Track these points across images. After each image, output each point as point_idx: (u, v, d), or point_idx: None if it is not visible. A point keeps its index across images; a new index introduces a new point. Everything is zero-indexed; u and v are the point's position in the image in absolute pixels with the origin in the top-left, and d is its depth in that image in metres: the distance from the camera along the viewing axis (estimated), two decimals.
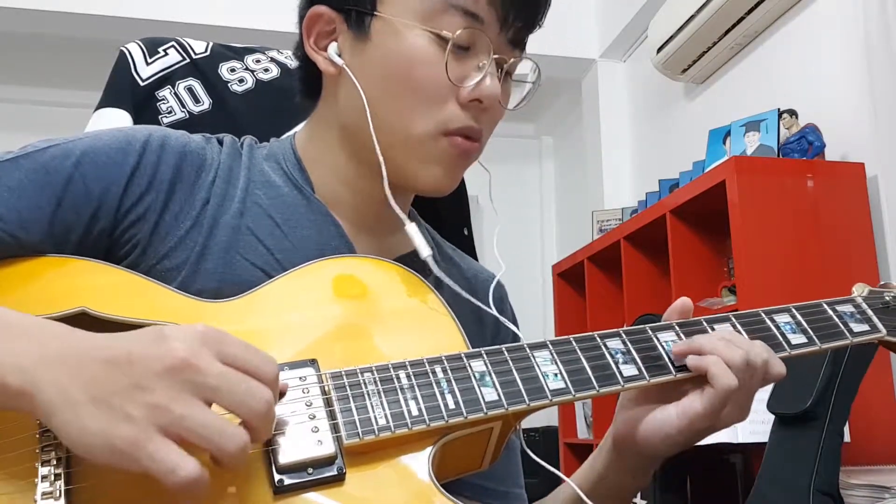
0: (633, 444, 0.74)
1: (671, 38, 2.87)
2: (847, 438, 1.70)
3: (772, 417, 1.76)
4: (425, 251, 0.74)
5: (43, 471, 0.54)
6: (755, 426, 1.86)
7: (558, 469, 0.68)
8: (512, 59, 0.77)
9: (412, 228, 0.76)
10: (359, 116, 0.76)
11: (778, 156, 2.25)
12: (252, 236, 0.75)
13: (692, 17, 2.73)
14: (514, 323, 0.88)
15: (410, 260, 0.76)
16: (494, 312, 0.78)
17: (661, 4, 2.99)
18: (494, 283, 0.86)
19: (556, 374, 0.67)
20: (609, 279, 3.12)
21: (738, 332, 0.74)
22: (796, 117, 2.32)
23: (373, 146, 0.75)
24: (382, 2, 0.75)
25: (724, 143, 2.49)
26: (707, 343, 0.70)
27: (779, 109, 2.32)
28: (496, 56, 0.75)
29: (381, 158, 0.75)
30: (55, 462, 0.55)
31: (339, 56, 0.78)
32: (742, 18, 2.64)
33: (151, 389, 0.51)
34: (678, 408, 0.71)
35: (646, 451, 0.74)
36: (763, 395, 1.77)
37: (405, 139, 0.75)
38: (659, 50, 2.97)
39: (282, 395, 0.59)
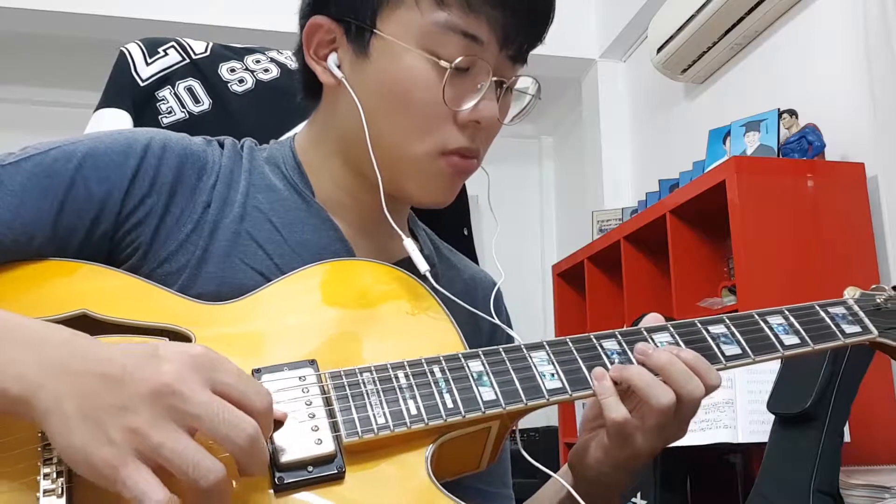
0: (580, 475, 0.75)
1: (671, 38, 2.87)
2: (847, 438, 1.70)
3: (772, 417, 1.76)
4: (423, 266, 0.74)
5: (45, 468, 0.55)
6: (755, 426, 1.86)
7: (558, 469, 0.69)
8: (512, 78, 0.77)
9: (410, 244, 0.76)
10: (357, 130, 0.76)
11: (778, 156, 2.25)
12: (252, 241, 0.75)
13: (692, 17, 2.74)
14: (509, 324, 0.89)
15: (410, 264, 0.76)
16: (495, 320, 0.78)
17: (661, 4, 2.99)
18: (494, 291, 0.86)
19: (552, 374, 0.67)
20: (609, 279, 3.12)
21: (732, 332, 0.73)
22: (796, 117, 2.32)
23: (370, 160, 0.75)
24: (382, 19, 0.74)
25: (724, 143, 2.49)
26: (634, 379, 0.67)
27: (779, 109, 2.32)
28: (495, 78, 0.75)
29: (378, 175, 0.75)
30: (57, 459, 0.55)
31: (339, 68, 0.77)
32: (742, 18, 2.64)
33: (135, 412, 0.51)
34: (597, 442, 0.71)
35: (594, 481, 0.74)
36: (763, 395, 1.77)
37: (402, 158, 0.76)
38: (659, 50, 2.97)
39: (281, 423, 0.59)
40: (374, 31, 0.74)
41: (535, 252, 4.40)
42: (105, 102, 1.04)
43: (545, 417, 3.67)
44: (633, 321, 2.58)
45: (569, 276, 3.42)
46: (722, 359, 0.72)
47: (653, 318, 0.75)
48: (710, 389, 0.68)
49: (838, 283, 2.14)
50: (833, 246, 2.09)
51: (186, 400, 0.52)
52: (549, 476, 0.72)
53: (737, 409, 1.85)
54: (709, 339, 0.73)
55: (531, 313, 4.13)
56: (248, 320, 0.69)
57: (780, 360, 0.76)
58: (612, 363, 0.69)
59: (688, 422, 0.70)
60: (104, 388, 0.52)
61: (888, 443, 1.95)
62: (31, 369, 0.53)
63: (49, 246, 0.69)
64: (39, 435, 0.56)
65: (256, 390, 0.55)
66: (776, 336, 0.75)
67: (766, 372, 1.77)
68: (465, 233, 1.10)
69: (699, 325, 0.74)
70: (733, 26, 2.68)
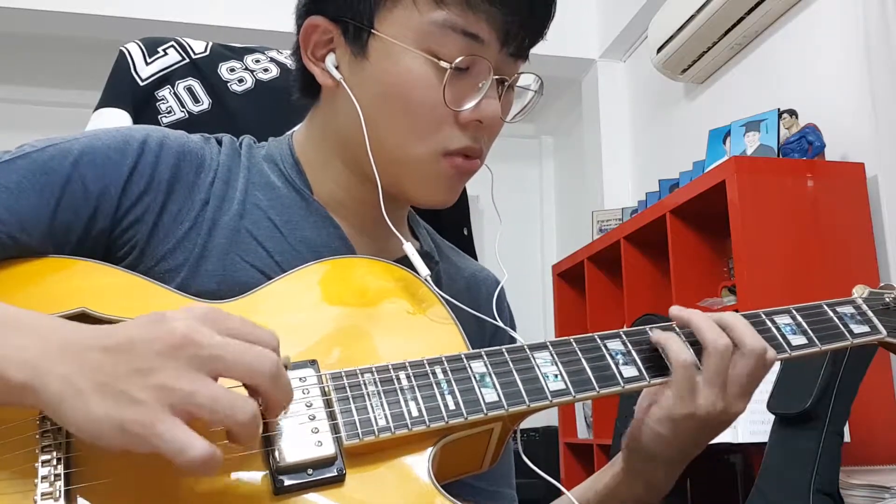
0: (634, 447, 0.75)
1: (671, 38, 2.87)
2: (847, 438, 1.70)
3: (772, 417, 1.76)
4: (424, 271, 0.73)
5: (43, 471, 0.54)
6: (755, 426, 1.86)
7: (558, 469, 0.69)
8: (514, 76, 0.76)
9: (410, 248, 0.75)
10: (356, 131, 0.75)
11: (778, 156, 2.25)
12: (251, 238, 0.75)
13: (692, 17, 2.74)
14: (512, 323, 0.88)
15: (411, 262, 0.76)
16: (497, 322, 0.78)
17: (661, 4, 2.99)
18: (498, 290, 0.86)
19: (556, 375, 0.67)
20: (609, 279, 3.12)
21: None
22: (796, 117, 2.32)
23: (370, 161, 0.74)
24: (380, 19, 0.73)
25: (724, 143, 2.49)
26: (695, 320, 0.71)
27: (779, 109, 2.32)
28: (496, 77, 0.74)
29: (377, 178, 0.75)
30: (55, 462, 0.54)
31: (337, 69, 0.76)
32: (742, 18, 2.64)
33: (156, 370, 0.51)
34: (657, 403, 0.72)
35: (645, 454, 0.74)
36: (763, 395, 1.77)
37: (403, 159, 0.75)
38: (659, 50, 2.97)
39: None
40: (373, 31, 0.74)
41: (535, 252, 4.40)
42: (105, 102, 1.03)
43: (545, 417, 3.67)
44: (634, 321, 2.58)
45: (569, 276, 3.42)
46: None
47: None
48: (769, 356, 0.71)
49: (838, 283, 2.15)
50: (833, 246, 2.09)
51: (205, 346, 0.52)
52: (553, 476, 0.71)
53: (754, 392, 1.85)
54: None
55: (531, 313, 4.13)
56: (248, 319, 0.68)
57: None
58: (616, 363, 0.69)
59: (746, 390, 0.71)
60: (115, 357, 0.51)
61: (888, 443, 1.95)
62: (34, 355, 0.52)
63: (46, 243, 0.68)
64: (37, 437, 0.56)
65: (262, 329, 0.56)
66: (783, 336, 0.74)
67: None
68: (465, 233, 1.10)
69: None
70: (733, 26, 2.68)
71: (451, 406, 0.63)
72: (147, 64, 1.05)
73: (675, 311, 0.73)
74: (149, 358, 0.51)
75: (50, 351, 0.52)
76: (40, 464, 0.55)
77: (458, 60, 0.71)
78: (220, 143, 0.81)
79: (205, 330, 0.53)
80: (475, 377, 0.65)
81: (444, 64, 0.71)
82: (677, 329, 0.73)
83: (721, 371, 0.70)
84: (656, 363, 0.70)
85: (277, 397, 0.55)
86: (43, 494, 0.53)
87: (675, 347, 0.69)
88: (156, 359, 0.51)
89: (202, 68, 1.06)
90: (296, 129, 0.86)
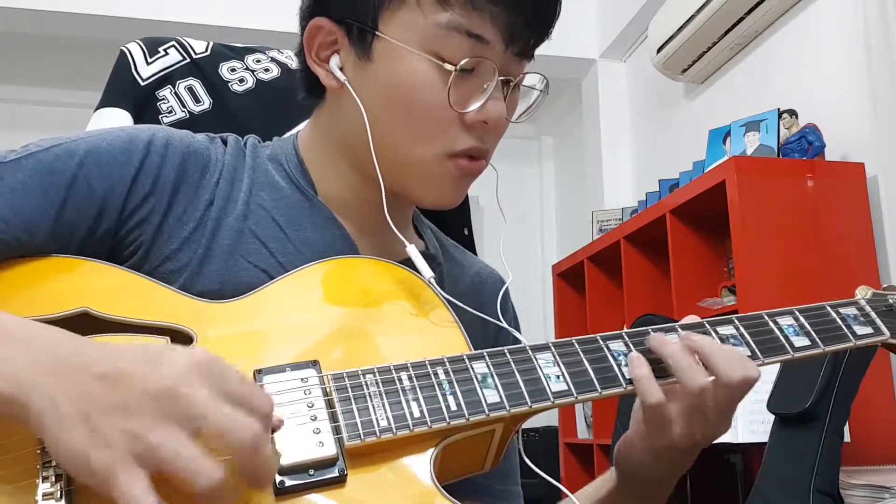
0: (623, 469, 0.76)
1: (671, 38, 2.87)
2: (847, 438, 1.71)
3: (772, 417, 1.76)
4: (427, 273, 0.73)
5: (44, 471, 0.54)
6: (755, 426, 1.86)
7: (558, 469, 0.69)
8: (519, 76, 0.76)
9: (413, 251, 0.75)
10: (360, 132, 0.75)
11: (778, 156, 2.25)
12: (255, 239, 0.75)
13: (692, 17, 2.74)
14: (516, 322, 0.88)
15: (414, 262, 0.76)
16: (501, 323, 0.77)
17: (661, 4, 2.99)
18: (502, 292, 0.86)
19: (558, 376, 0.67)
20: (609, 279, 3.12)
21: (742, 333, 0.74)
22: (796, 117, 2.32)
23: (374, 162, 0.74)
24: (384, 20, 0.73)
25: (724, 143, 2.49)
26: (672, 353, 0.68)
27: (779, 109, 2.32)
28: (502, 78, 0.73)
29: (381, 181, 0.75)
30: (56, 462, 0.54)
31: (341, 70, 0.76)
32: (742, 18, 2.64)
33: (135, 414, 0.50)
34: (636, 429, 0.72)
35: (633, 475, 0.75)
36: (763, 395, 1.77)
37: (408, 161, 0.75)
38: (659, 50, 2.97)
39: (275, 430, 0.58)
40: (377, 33, 0.73)
41: (535, 252, 4.40)
42: (105, 102, 1.03)
43: (545, 417, 3.67)
44: (634, 321, 2.58)
45: (569, 276, 3.42)
46: None
47: (690, 320, 0.75)
48: (748, 381, 0.68)
49: (838, 283, 2.15)
50: (833, 246, 2.09)
51: (189, 402, 0.51)
52: (553, 476, 0.72)
53: (737, 409, 1.85)
54: (718, 340, 0.72)
55: (531, 313, 4.12)
56: (251, 319, 0.68)
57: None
58: (618, 364, 0.69)
59: (727, 414, 0.70)
60: (103, 388, 0.51)
61: (888, 443, 1.95)
62: (24, 369, 0.52)
63: (50, 243, 0.68)
64: (38, 437, 0.56)
65: (259, 394, 0.54)
66: (786, 337, 0.74)
67: (766, 372, 1.77)
68: (466, 233, 1.10)
69: (708, 326, 0.74)
70: (733, 26, 2.68)
71: (453, 407, 0.63)
72: (148, 64, 1.05)
73: (654, 342, 0.70)
74: (132, 399, 0.50)
75: (40, 366, 0.52)
76: (41, 463, 0.55)
77: (462, 62, 0.71)
78: (225, 142, 0.81)
79: (195, 384, 0.51)
80: (477, 378, 0.65)
81: (448, 66, 0.71)
82: (680, 332, 0.73)
83: (697, 407, 0.68)
84: (657, 364, 0.70)
85: (255, 472, 0.53)
86: (44, 494, 0.53)
87: (644, 388, 0.67)
88: (138, 402, 0.50)
89: (203, 68, 1.06)
90: (300, 128, 0.86)
